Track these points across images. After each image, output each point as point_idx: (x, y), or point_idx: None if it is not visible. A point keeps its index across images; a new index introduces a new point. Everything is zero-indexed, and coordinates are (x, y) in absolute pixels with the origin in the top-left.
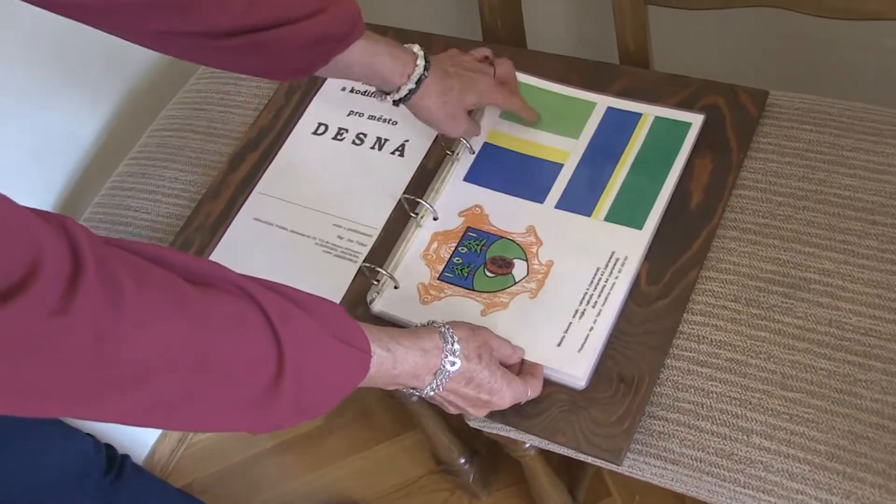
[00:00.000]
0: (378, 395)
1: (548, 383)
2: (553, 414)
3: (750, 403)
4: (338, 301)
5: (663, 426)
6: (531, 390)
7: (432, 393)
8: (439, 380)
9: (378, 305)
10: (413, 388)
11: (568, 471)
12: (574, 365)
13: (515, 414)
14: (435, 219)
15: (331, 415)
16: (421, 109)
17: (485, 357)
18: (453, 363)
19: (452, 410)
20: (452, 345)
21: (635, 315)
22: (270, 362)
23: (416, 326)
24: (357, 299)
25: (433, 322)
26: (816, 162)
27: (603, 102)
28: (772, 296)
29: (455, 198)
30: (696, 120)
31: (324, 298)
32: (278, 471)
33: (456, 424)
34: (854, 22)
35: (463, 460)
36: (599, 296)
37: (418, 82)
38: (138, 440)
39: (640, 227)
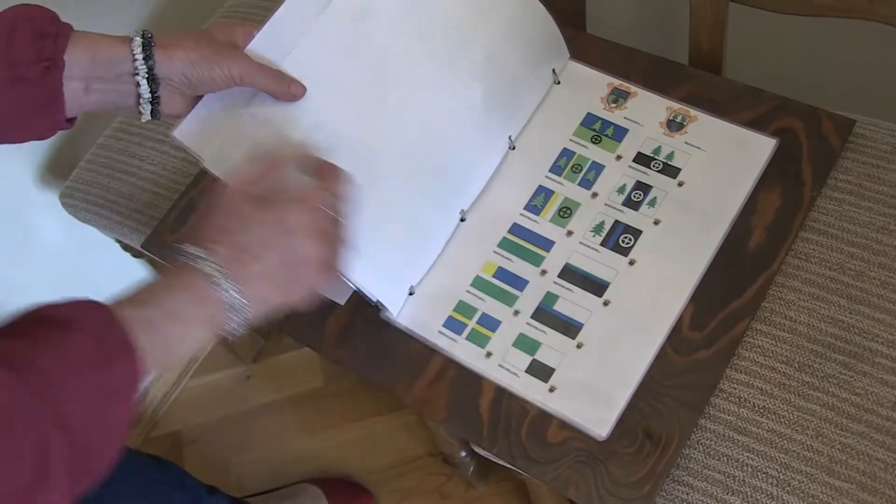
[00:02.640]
0: None
1: (565, 427)
2: (567, 463)
3: (789, 486)
4: (343, 299)
5: (687, 494)
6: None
7: (244, 323)
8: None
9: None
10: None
11: None
12: (595, 420)
13: (524, 457)
14: (462, 220)
15: (332, 377)
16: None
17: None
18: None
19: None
20: (212, 273)
21: (672, 363)
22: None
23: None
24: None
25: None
26: None
27: (661, 106)
28: (829, 363)
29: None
30: (766, 145)
31: (76, 305)
32: (270, 429)
33: None
34: None
35: (464, 454)
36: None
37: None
38: None
39: (686, 268)
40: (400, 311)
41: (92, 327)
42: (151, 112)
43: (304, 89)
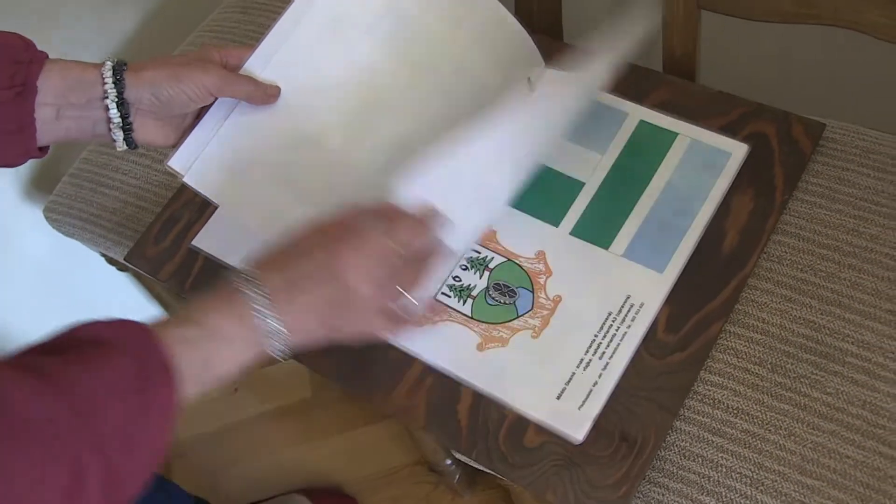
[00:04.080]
0: None
1: (542, 431)
2: (545, 467)
3: (762, 485)
4: None
5: (663, 496)
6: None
7: (286, 350)
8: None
9: None
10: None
11: None
12: (573, 425)
13: (502, 461)
14: None
15: (319, 387)
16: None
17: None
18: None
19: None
20: (255, 297)
21: (647, 367)
22: (63, 465)
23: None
24: None
25: (235, 275)
26: (871, 214)
27: (636, 114)
28: (801, 364)
29: None
30: (739, 150)
31: (117, 324)
32: (259, 441)
33: None
34: None
35: (449, 461)
36: (608, 346)
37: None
38: None
39: (661, 271)
40: None
41: (134, 350)
42: (125, 140)
43: (278, 90)
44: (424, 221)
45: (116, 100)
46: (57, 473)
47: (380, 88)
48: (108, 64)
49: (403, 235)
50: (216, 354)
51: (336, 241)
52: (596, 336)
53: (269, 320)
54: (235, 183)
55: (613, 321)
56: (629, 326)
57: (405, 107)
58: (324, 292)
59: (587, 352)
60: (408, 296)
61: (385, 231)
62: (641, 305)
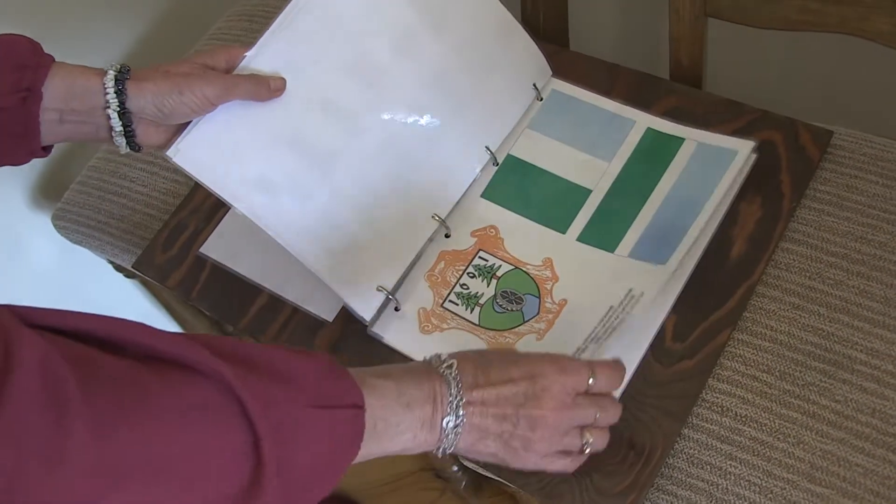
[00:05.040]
0: None
1: None
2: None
3: (771, 493)
4: (331, 315)
5: (671, 503)
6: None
7: (447, 449)
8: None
9: (377, 328)
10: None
11: None
12: None
13: (510, 469)
14: (447, 235)
15: None
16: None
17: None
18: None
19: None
20: (451, 380)
21: (655, 374)
22: (246, 462)
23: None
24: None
25: (436, 357)
26: (879, 221)
27: (643, 121)
28: (810, 372)
29: (470, 215)
30: (745, 148)
31: (310, 355)
32: None
33: None
34: None
35: (455, 468)
36: (605, 333)
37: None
38: None
39: (663, 263)
40: (374, 317)
41: (325, 377)
42: (128, 144)
43: (283, 82)
44: (620, 374)
45: (118, 109)
46: (242, 461)
47: (380, 90)
48: (111, 73)
49: (603, 382)
50: (395, 416)
51: (543, 358)
52: (595, 328)
53: (453, 404)
54: (226, 158)
55: (613, 313)
56: (627, 313)
57: (405, 106)
58: (514, 391)
59: (585, 341)
60: (589, 438)
61: (590, 368)
62: (641, 294)
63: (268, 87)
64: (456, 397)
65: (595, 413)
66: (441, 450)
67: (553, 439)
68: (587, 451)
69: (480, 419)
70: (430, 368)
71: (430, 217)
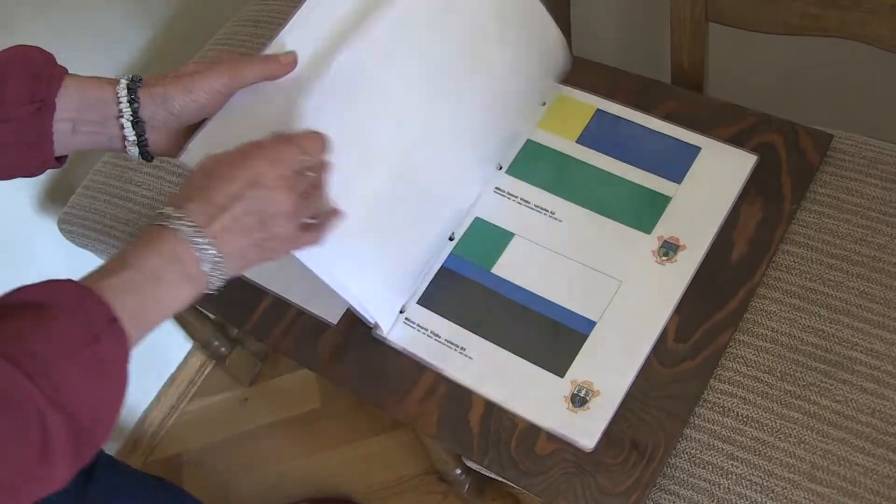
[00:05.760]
0: None
1: (554, 439)
2: (556, 475)
3: (772, 492)
4: (336, 318)
5: (673, 503)
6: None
7: (222, 277)
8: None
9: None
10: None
11: None
12: (584, 432)
13: (513, 469)
14: (450, 238)
15: (329, 398)
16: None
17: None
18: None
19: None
20: (183, 229)
21: (657, 375)
22: (35, 429)
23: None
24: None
25: (160, 215)
26: (879, 223)
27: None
28: (810, 372)
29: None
30: (748, 161)
31: (54, 286)
32: (271, 451)
33: None
34: None
35: (459, 471)
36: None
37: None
38: (129, 406)
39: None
40: (391, 328)
41: (73, 306)
42: (141, 154)
43: (294, 55)
44: (324, 139)
45: (131, 119)
46: (25, 433)
47: (401, 100)
48: (123, 83)
49: (310, 148)
50: (156, 295)
51: (251, 157)
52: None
53: (202, 247)
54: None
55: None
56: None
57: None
58: (246, 205)
59: None
60: (324, 201)
61: (296, 144)
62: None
63: (278, 63)
64: (200, 242)
65: (316, 177)
66: (214, 287)
67: (292, 220)
68: (324, 210)
69: (231, 244)
70: (162, 230)
71: (447, 237)
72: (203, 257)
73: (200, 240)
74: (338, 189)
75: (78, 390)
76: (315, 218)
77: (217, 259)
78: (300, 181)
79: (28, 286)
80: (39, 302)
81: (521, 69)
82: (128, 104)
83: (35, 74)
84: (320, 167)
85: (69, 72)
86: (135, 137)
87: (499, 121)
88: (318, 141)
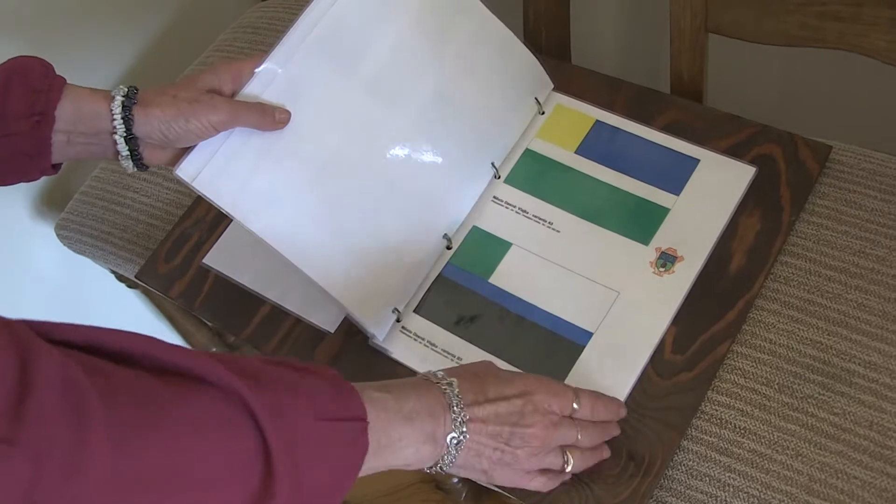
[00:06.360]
0: None
1: None
2: None
3: None
4: (333, 327)
5: None
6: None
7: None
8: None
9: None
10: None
11: None
12: None
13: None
14: (448, 247)
15: None
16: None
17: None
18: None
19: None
20: (452, 397)
21: (655, 386)
22: (256, 472)
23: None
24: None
25: (433, 373)
26: (878, 236)
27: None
28: (808, 384)
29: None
30: (747, 172)
31: (315, 370)
32: None
33: None
34: None
35: (455, 479)
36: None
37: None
38: None
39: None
40: (387, 337)
41: (332, 387)
42: (135, 165)
43: (289, 115)
44: (604, 405)
45: (125, 135)
46: (253, 470)
47: (387, 110)
48: (118, 99)
49: (587, 410)
50: (401, 433)
51: (531, 378)
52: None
53: (456, 419)
54: (253, 189)
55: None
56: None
57: (411, 125)
58: (509, 409)
59: None
60: (563, 464)
61: (574, 393)
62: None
63: (273, 119)
64: (459, 414)
65: (577, 434)
66: (439, 466)
67: (538, 457)
68: (567, 469)
69: (479, 436)
70: (430, 383)
71: (441, 240)
72: (453, 428)
73: (458, 410)
74: (333, 197)
75: (310, 454)
76: (549, 469)
77: (462, 438)
78: (563, 427)
79: (293, 361)
80: (296, 385)
81: (493, 100)
82: (122, 122)
83: (34, 87)
84: (584, 429)
85: (67, 81)
86: (128, 153)
87: (482, 128)
88: (601, 404)
